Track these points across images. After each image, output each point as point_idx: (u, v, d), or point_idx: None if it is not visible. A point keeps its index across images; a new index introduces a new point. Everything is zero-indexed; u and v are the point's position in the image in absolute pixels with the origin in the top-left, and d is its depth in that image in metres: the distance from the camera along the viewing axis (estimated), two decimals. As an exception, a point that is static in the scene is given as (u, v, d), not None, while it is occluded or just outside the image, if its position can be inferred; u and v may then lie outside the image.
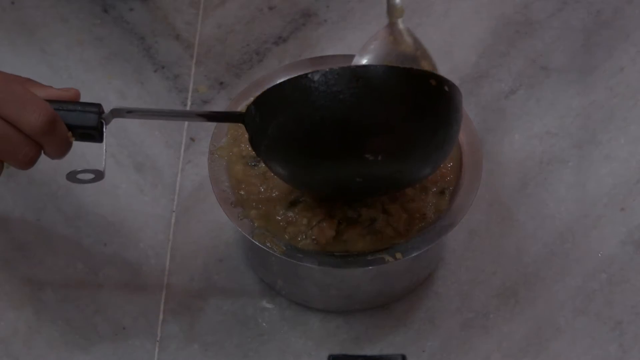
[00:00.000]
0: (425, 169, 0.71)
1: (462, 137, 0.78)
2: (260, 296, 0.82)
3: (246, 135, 0.78)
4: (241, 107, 0.81)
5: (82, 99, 0.92)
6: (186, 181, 0.88)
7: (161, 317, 0.81)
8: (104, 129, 0.70)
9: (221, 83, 0.94)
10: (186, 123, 0.91)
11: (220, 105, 0.92)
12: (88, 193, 0.87)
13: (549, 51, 0.95)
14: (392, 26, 0.79)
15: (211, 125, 0.80)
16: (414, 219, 0.75)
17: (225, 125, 0.80)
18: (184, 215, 0.86)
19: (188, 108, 0.93)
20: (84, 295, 0.82)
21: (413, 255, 0.73)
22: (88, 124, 0.69)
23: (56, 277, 0.83)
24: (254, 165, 0.78)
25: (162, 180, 0.88)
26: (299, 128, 0.67)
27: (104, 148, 0.70)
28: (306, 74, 0.67)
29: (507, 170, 0.88)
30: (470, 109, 0.87)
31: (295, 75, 0.68)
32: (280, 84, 0.69)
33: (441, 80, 0.68)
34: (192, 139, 0.91)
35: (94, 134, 0.70)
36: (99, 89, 0.94)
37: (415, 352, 0.79)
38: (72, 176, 0.71)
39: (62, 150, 0.69)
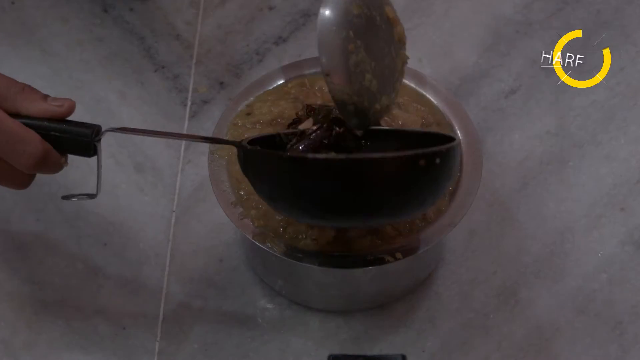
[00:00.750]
0: (418, 214, 0.74)
1: (462, 137, 0.78)
2: (260, 296, 0.82)
3: (246, 135, 0.78)
4: (241, 108, 0.81)
5: (82, 99, 0.92)
6: (186, 181, 0.88)
7: (161, 317, 0.81)
8: (99, 151, 0.69)
9: (221, 83, 0.94)
10: (186, 123, 0.91)
11: (220, 105, 0.92)
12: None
13: (549, 51, 0.95)
14: None
15: (211, 126, 0.80)
16: (413, 218, 0.75)
17: (225, 125, 0.80)
18: (184, 215, 0.86)
19: (188, 108, 0.93)
20: (84, 295, 0.82)
21: (413, 255, 0.73)
22: (81, 148, 0.69)
23: (56, 277, 0.83)
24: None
25: (162, 180, 0.88)
26: (284, 199, 0.67)
27: (98, 169, 0.70)
28: (300, 156, 0.68)
29: (507, 170, 0.88)
30: (470, 109, 0.87)
31: (295, 74, 0.68)
32: (270, 154, 0.68)
33: (431, 156, 0.65)
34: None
35: (88, 155, 0.70)
36: (99, 89, 0.94)
37: (415, 352, 0.79)
38: (67, 197, 0.73)
39: (54, 172, 0.70)
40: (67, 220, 0.86)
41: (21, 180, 0.69)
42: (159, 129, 0.90)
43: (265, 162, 0.68)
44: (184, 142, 0.90)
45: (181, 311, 0.81)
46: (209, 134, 0.80)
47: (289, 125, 0.76)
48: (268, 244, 0.74)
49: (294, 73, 0.83)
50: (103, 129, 0.70)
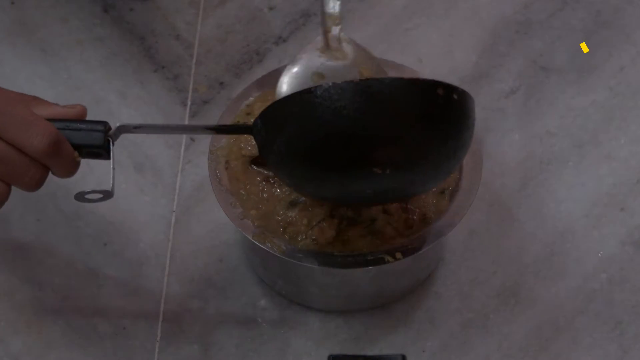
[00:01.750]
0: (437, 177, 0.71)
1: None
2: (260, 296, 0.82)
3: (246, 135, 0.78)
4: (241, 107, 0.81)
5: (82, 99, 0.92)
6: (186, 181, 0.88)
7: (161, 317, 0.81)
8: (112, 147, 0.68)
9: (221, 83, 0.94)
10: (186, 123, 0.91)
11: (220, 105, 0.92)
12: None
13: (549, 51, 0.95)
14: (326, 34, 0.78)
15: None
16: (413, 219, 0.75)
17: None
18: (184, 215, 0.86)
19: (188, 108, 0.93)
20: (84, 295, 0.82)
21: (413, 255, 0.73)
22: (94, 142, 0.68)
23: (56, 277, 0.83)
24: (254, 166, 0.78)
25: (162, 180, 0.88)
26: (304, 144, 0.67)
27: (112, 166, 0.68)
28: (309, 89, 0.66)
29: (507, 170, 0.88)
30: (470, 108, 0.87)
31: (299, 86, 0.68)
32: (285, 98, 0.68)
33: (449, 89, 0.66)
34: (192, 139, 0.91)
35: (101, 152, 0.68)
36: (99, 89, 0.94)
37: (415, 352, 0.79)
38: (80, 196, 0.70)
39: (69, 170, 0.68)
40: (67, 220, 0.86)
41: (34, 175, 0.67)
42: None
43: (283, 109, 0.67)
44: (184, 142, 0.90)
45: (181, 311, 0.81)
46: (209, 134, 0.80)
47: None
48: (268, 244, 0.74)
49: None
50: (116, 125, 0.69)
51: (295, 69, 0.77)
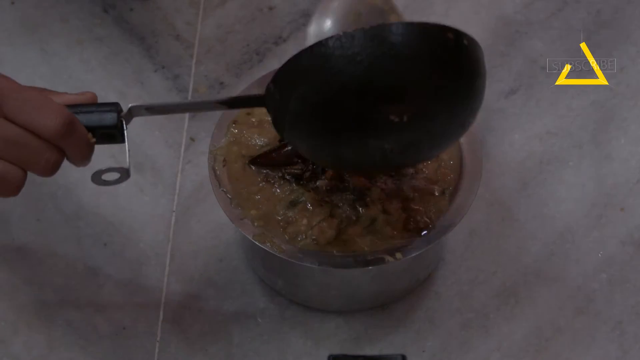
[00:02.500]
0: (455, 128, 0.69)
1: (462, 137, 0.78)
2: (260, 296, 0.82)
3: (246, 135, 0.78)
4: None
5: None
6: (186, 181, 0.88)
7: (161, 317, 0.81)
8: (125, 128, 0.68)
9: (221, 83, 0.94)
10: (186, 123, 0.91)
11: (220, 105, 0.92)
12: (88, 193, 0.87)
13: (548, 51, 0.95)
14: None
15: (211, 125, 0.80)
16: (413, 219, 0.75)
17: (225, 125, 0.80)
18: (184, 215, 0.86)
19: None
20: (84, 295, 0.82)
21: (413, 255, 0.73)
22: (108, 123, 0.67)
23: (56, 277, 0.83)
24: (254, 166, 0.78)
25: (162, 180, 0.88)
26: (320, 96, 0.65)
27: (127, 147, 0.67)
28: (320, 41, 0.65)
29: (507, 170, 0.88)
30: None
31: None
32: (296, 55, 0.67)
33: (459, 34, 0.65)
34: (192, 139, 0.91)
35: (114, 133, 0.68)
36: (99, 89, 0.93)
37: (415, 352, 0.79)
38: (97, 177, 0.69)
39: (84, 153, 0.67)
40: (67, 220, 0.86)
41: (49, 159, 0.65)
42: (159, 129, 0.91)
43: (296, 66, 0.66)
44: (184, 142, 0.90)
45: (181, 311, 0.81)
46: (209, 134, 0.80)
47: (281, 140, 0.77)
48: (268, 244, 0.73)
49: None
50: (128, 107, 0.68)
51: (333, 5, 0.75)
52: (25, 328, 0.80)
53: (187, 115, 0.92)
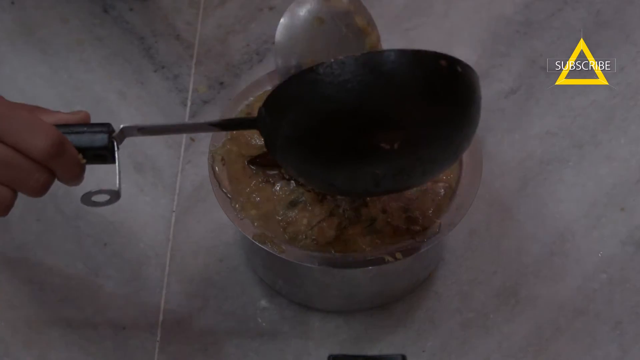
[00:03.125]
0: (448, 155, 0.69)
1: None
2: (260, 296, 0.82)
3: (246, 134, 0.78)
4: (241, 108, 0.81)
5: (82, 99, 0.92)
6: (186, 181, 0.88)
7: (161, 317, 0.81)
8: (116, 149, 0.67)
9: (221, 83, 0.94)
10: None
11: (220, 105, 0.92)
12: (88, 193, 0.87)
13: (548, 51, 0.95)
14: None
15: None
16: (414, 219, 0.75)
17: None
18: (184, 215, 0.86)
19: (188, 108, 0.93)
20: (84, 295, 0.82)
21: (413, 255, 0.73)
22: (98, 144, 0.66)
23: (56, 277, 0.83)
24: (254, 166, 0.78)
25: (162, 180, 0.88)
26: (310, 122, 0.65)
27: (117, 169, 0.67)
28: (311, 67, 0.65)
29: (507, 170, 0.88)
30: (470, 109, 0.87)
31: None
32: (287, 80, 0.67)
33: (452, 61, 0.65)
34: (192, 139, 0.91)
35: (105, 154, 0.67)
36: (99, 89, 0.94)
37: (415, 352, 0.79)
38: (86, 199, 0.69)
39: (74, 173, 0.67)
40: (67, 220, 0.86)
41: (39, 179, 0.66)
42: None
43: (286, 92, 0.66)
44: (184, 142, 0.90)
45: (181, 311, 0.81)
46: (209, 134, 0.80)
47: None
48: (268, 244, 0.74)
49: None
50: (119, 127, 0.67)
51: (298, 11, 0.74)
52: (25, 328, 0.80)
53: (187, 115, 0.92)
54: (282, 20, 0.74)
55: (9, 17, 0.98)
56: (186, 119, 0.92)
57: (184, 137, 0.91)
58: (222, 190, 0.76)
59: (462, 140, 0.67)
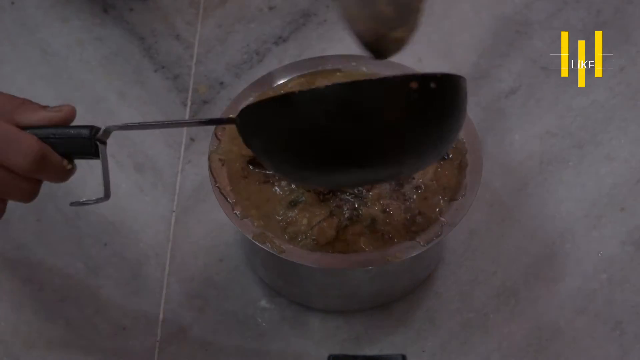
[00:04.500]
0: (429, 160, 0.68)
1: (463, 137, 0.78)
2: (260, 296, 0.82)
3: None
4: (241, 107, 0.80)
5: (82, 100, 0.92)
6: (186, 181, 0.88)
7: (161, 317, 0.81)
8: (100, 150, 0.66)
9: (221, 83, 0.94)
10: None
11: (220, 105, 0.92)
12: (88, 193, 0.87)
13: (548, 51, 0.95)
14: None
15: (211, 126, 0.80)
16: (414, 219, 0.75)
17: (225, 125, 0.80)
18: (184, 215, 0.86)
19: (188, 108, 0.93)
20: (84, 295, 0.82)
21: (413, 255, 0.73)
22: (83, 150, 0.66)
23: (56, 277, 0.83)
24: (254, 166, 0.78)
25: (162, 180, 0.89)
26: (280, 150, 0.64)
27: (102, 169, 0.67)
28: (282, 96, 0.63)
29: (507, 170, 0.88)
30: (470, 108, 0.86)
31: (295, 74, 0.66)
32: (259, 104, 0.66)
33: (425, 80, 0.62)
34: (192, 139, 0.91)
35: (90, 157, 0.67)
36: (99, 89, 0.94)
37: (415, 352, 0.79)
38: (76, 204, 0.69)
39: (61, 177, 0.67)
40: (67, 220, 0.86)
41: (26, 189, 0.66)
42: (159, 129, 0.91)
43: (258, 115, 0.65)
44: (184, 142, 0.90)
45: (181, 311, 0.81)
46: (209, 134, 0.80)
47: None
48: (268, 244, 0.74)
49: (294, 73, 0.83)
50: (102, 128, 0.67)
51: None
52: (25, 328, 0.80)
53: (187, 115, 0.92)
54: None
55: (9, 17, 0.98)
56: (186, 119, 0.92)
57: (184, 137, 0.91)
58: (222, 191, 0.76)
59: (444, 146, 0.66)
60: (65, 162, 0.66)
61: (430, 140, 0.64)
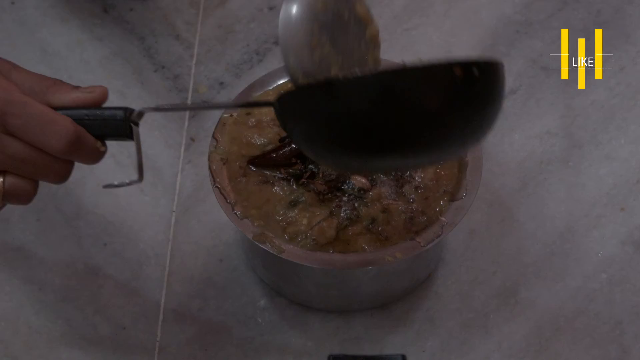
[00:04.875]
0: (469, 146, 0.69)
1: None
2: (260, 296, 0.82)
3: (246, 135, 0.78)
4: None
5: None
6: (186, 181, 0.88)
7: (161, 317, 0.81)
8: (134, 131, 0.66)
9: (221, 83, 0.94)
10: (186, 123, 0.91)
11: (220, 105, 0.92)
12: (88, 193, 0.87)
13: (548, 51, 0.95)
14: None
15: (211, 125, 0.80)
16: (414, 219, 0.75)
17: (225, 125, 0.80)
18: (184, 215, 0.86)
19: (188, 108, 0.93)
20: (84, 295, 0.82)
21: (413, 255, 0.73)
22: (116, 131, 0.66)
23: (56, 277, 0.83)
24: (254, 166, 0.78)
25: (162, 180, 0.88)
26: (323, 138, 0.64)
27: (136, 151, 0.67)
28: (324, 83, 0.63)
29: (507, 170, 0.88)
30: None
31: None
32: (300, 90, 0.66)
33: (468, 66, 0.62)
34: (192, 139, 0.91)
35: (124, 139, 0.66)
36: (99, 89, 0.94)
37: (415, 352, 0.79)
38: (110, 186, 0.69)
39: (94, 159, 0.66)
40: (67, 220, 0.86)
41: (59, 170, 0.65)
42: (159, 129, 0.91)
43: (300, 100, 0.64)
44: (184, 142, 0.90)
45: (181, 311, 0.81)
46: (209, 134, 0.80)
47: (281, 140, 0.77)
48: (268, 244, 0.73)
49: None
50: (137, 110, 0.67)
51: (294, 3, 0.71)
52: (25, 328, 0.80)
53: (187, 115, 0.92)
54: (284, 7, 0.72)
55: (9, 17, 0.98)
56: (186, 119, 0.92)
57: (183, 137, 0.91)
58: (222, 191, 0.76)
59: (483, 132, 0.66)
60: (98, 143, 0.66)
61: (471, 127, 0.64)
